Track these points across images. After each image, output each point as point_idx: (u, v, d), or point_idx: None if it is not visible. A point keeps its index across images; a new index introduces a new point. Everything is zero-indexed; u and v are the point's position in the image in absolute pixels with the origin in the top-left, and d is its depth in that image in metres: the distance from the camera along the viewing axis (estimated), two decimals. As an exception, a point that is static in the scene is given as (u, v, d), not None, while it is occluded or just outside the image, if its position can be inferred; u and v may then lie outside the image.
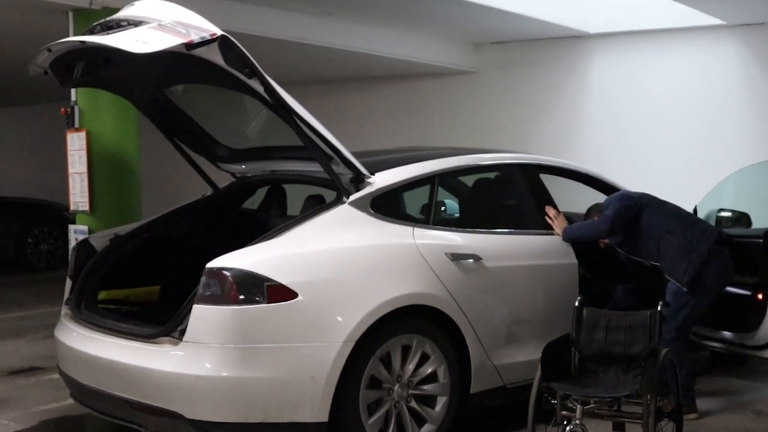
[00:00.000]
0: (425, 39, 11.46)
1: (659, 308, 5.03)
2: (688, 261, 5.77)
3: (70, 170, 7.71)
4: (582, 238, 6.05)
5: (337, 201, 5.27)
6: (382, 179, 5.43)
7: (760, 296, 6.17)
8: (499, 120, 12.05)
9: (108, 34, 4.84)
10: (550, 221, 6.05)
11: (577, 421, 4.71)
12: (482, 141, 11.16)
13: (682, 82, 10.62)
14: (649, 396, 4.64)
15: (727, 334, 6.45)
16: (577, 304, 5.18)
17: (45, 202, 14.38)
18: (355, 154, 5.35)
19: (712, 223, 7.06)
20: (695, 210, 7.02)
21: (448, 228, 5.72)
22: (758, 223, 6.85)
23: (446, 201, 6.89)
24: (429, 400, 5.25)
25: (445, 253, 5.38)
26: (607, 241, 6.14)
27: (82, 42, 4.95)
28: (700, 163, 10.10)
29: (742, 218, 7.05)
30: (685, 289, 5.76)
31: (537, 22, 10.41)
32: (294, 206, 6.21)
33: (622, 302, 6.26)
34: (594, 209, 6.20)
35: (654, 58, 10.86)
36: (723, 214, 7.13)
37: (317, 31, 10.03)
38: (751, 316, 6.22)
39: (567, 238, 6.01)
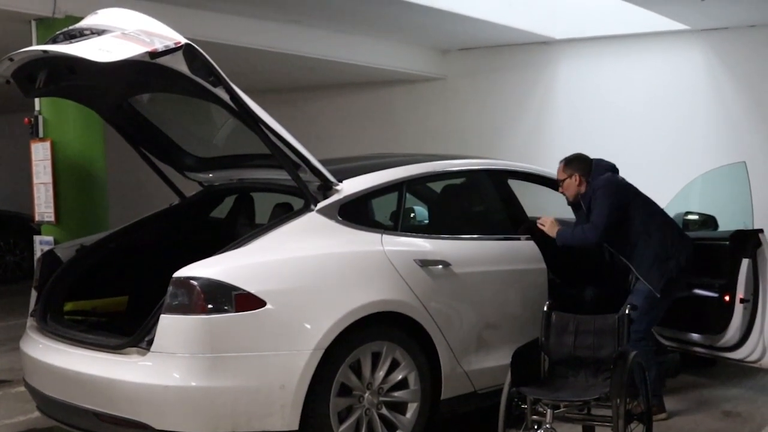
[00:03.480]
0: (393, 46, 11.47)
1: (627, 311, 5.06)
2: (665, 268, 5.83)
3: (35, 180, 7.63)
4: (573, 245, 6.00)
5: (305, 209, 5.25)
6: (349, 186, 5.42)
7: (727, 298, 6.21)
8: (468, 126, 12.08)
9: (71, 43, 4.80)
10: (541, 227, 6.04)
11: (548, 425, 4.72)
12: (451, 147, 11.18)
13: (648, 86, 10.69)
14: (618, 399, 4.65)
15: (695, 336, 6.49)
16: (545, 308, 5.20)
17: (11, 213, 14.20)
18: (323, 162, 5.34)
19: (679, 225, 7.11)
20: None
21: (416, 234, 5.71)
22: (724, 225, 6.89)
23: (415, 207, 6.88)
24: (400, 407, 5.24)
25: (414, 260, 5.37)
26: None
27: (45, 51, 4.89)
28: (667, 167, 10.16)
29: (708, 221, 7.10)
30: (659, 295, 5.82)
31: (504, 28, 10.44)
32: (262, 215, 6.19)
33: (590, 306, 6.30)
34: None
35: (620, 63, 10.94)
36: (690, 216, 7.17)
37: (285, 39, 10.01)
38: (718, 318, 6.26)
39: (560, 242, 5.99)
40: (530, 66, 11.61)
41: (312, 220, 5.21)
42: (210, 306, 4.63)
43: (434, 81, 12.41)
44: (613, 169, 6.13)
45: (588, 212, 5.92)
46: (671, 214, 7.09)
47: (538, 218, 6.19)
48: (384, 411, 5.15)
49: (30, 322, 5.70)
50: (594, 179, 5.95)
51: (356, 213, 5.39)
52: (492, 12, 10.06)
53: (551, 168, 7.04)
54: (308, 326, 4.80)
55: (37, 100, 7.65)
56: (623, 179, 6.11)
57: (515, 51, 11.65)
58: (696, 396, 6.62)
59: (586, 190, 5.96)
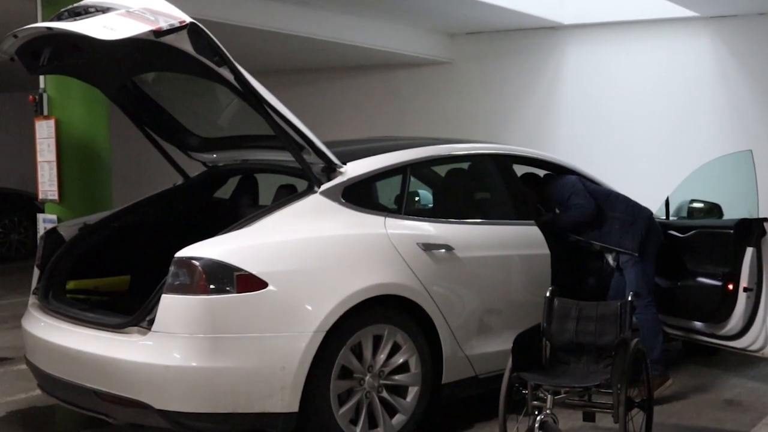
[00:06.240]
0: (400, 29, 11.43)
1: (630, 298, 5.05)
2: (634, 230, 6.16)
3: (39, 159, 7.62)
4: (576, 222, 6.30)
5: (309, 191, 5.23)
6: (353, 169, 5.40)
7: (730, 287, 6.19)
8: (474, 110, 12.05)
9: (75, 20, 4.79)
10: None
11: (548, 411, 4.71)
12: (457, 131, 11.16)
13: (655, 72, 10.65)
14: (619, 386, 4.65)
15: (698, 324, 6.48)
16: (548, 294, 5.18)
17: (15, 191, 14.22)
18: (327, 144, 5.33)
19: (684, 214, 7.11)
20: (667, 201, 7.05)
21: (420, 218, 5.69)
22: (729, 213, 6.88)
23: (419, 191, 6.87)
24: (400, 391, 5.24)
25: (417, 243, 5.36)
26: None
27: (49, 28, 4.88)
28: (674, 153, 10.14)
29: (713, 209, 7.08)
30: (636, 254, 6.12)
31: (511, 12, 10.41)
32: (266, 196, 6.18)
33: (592, 293, 6.33)
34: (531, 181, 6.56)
35: (628, 49, 10.89)
36: (695, 204, 7.16)
37: (292, 21, 9.97)
38: (722, 307, 6.25)
39: (565, 224, 6.33)
40: (538, 51, 11.58)
41: (315, 201, 5.19)
42: (212, 286, 4.62)
43: (441, 65, 12.37)
44: None
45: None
46: (676, 201, 7.11)
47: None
48: (384, 394, 5.15)
49: (32, 300, 5.71)
50: (556, 186, 6.41)
51: (360, 195, 5.37)
52: (500, -4, 10.03)
53: (557, 153, 7.04)
54: (310, 308, 4.79)
55: (41, 78, 7.63)
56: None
57: (523, 36, 11.61)
58: (698, 384, 6.61)
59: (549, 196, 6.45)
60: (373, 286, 5.04)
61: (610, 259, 6.33)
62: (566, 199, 6.26)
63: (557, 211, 6.36)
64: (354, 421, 5.01)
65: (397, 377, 5.20)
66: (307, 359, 4.72)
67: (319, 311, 4.79)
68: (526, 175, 6.60)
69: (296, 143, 5.15)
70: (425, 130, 11.63)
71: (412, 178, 5.87)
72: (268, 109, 4.96)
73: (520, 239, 6.04)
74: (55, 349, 5.19)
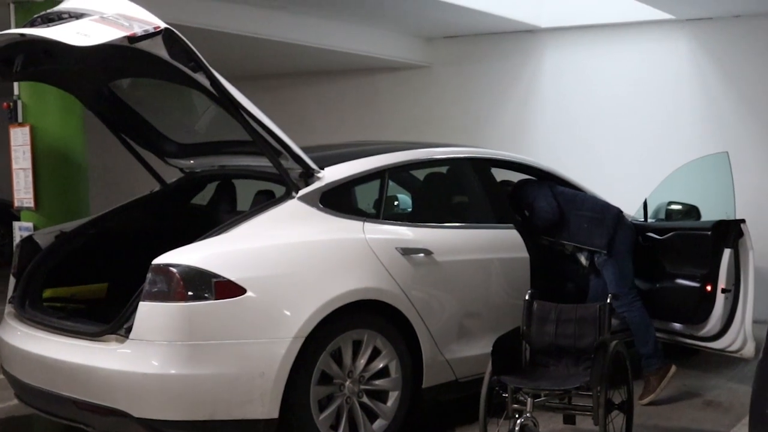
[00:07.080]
0: (377, 33, 11.40)
1: (609, 301, 5.06)
2: (603, 228, 6.19)
3: (14, 166, 7.54)
4: (538, 225, 6.28)
5: (286, 196, 5.22)
6: (331, 174, 5.39)
7: (708, 288, 6.22)
8: (452, 114, 12.03)
9: (49, 26, 4.75)
10: None
11: (528, 414, 4.72)
12: (435, 135, 11.13)
13: (633, 76, 10.68)
14: (598, 388, 4.65)
15: (677, 325, 6.50)
16: (527, 297, 5.19)
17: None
18: (305, 149, 5.31)
19: (662, 216, 7.14)
20: (645, 203, 7.08)
21: (398, 222, 5.70)
22: (707, 215, 6.91)
23: (397, 195, 6.87)
24: (381, 395, 5.23)
25: (396, 248, 5.35)
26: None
27: (22, 35, 4.84)
28: (652, 156, 10.16)
29: (691, 211, 7.12)
30: (605, 252, 6.15)
31: (489, 16, 10.40)
32: (244, 202, 6.15)
33: (571, 296, 6.35)
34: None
35: (605, 53, 10.91)
36: (673, 206, 7.19)
37: (269, 25, 9.92)
38: (700, 308, 6.28)
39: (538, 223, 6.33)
40: (515, 54, 11.58)
41: (293, 207, 5.18)
42: (189, 293, 4.59)
43: (419, 69, 12.35)
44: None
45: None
46: (654, 203, 7.14)
47: None
48: (365, 399, 5.14)
49: (8, 308, 5.66)
50: (524, 191, 6.48)
51: (338, 200, 5.37)
52: (477, 0, 10.03)
53: (535, 156, 7.06)
54: (288, 314, 4.77)
55: (15, 85, 7.56)
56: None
57: (500, 39, 11.62)
58: (678, 385, 6.63)
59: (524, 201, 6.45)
60: (351, 291, 5.03)
61: (582, 258, 6.34)
62: (531, 202, 6.31)
63: (526, 214, 6.37)
64: (335, 427, 5.01)
65: (377, 382, 5.19)
66: (286, 365, 4.71)
67: (298, 317, 4.78)
68: (501, 182, 6.61)
69: (273, 149, 5.13)
70: (403, 135, 11.60)
71: (391, 183, 5.87)
72: (245, 115, 4.93)
73: (499, 242, 6.05)
74: (32, 358, 5.14)
